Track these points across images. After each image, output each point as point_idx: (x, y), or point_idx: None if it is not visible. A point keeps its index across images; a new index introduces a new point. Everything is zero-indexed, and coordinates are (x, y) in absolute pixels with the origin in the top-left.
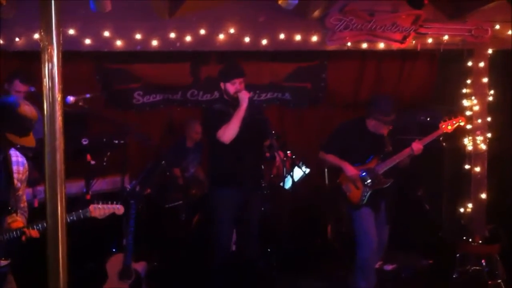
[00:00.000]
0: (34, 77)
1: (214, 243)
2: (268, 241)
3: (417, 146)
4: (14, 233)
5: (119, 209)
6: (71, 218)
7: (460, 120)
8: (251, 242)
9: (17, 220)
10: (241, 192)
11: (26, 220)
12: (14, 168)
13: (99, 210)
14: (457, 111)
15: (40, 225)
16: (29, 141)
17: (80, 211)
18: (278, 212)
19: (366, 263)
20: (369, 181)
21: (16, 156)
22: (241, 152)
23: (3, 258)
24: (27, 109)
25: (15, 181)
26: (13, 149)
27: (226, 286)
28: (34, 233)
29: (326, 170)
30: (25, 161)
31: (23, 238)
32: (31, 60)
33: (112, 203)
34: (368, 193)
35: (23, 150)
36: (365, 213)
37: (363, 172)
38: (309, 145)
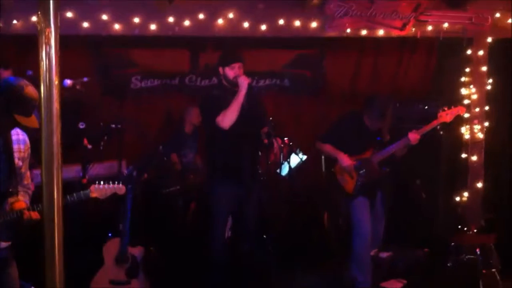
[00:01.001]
0: (9, 62)
1: (210, 235)
2: (265, 229)
3: (413, 136)
4: (15, 214)
5: (120, 188)
6: (72, 199)
7: (460, 110)
8: (248, 234)
9: (20, 201)
10: (240, 183)
11: (30, 198)
12: (15, 147)
13: (100, 190)
14: (456, 100)
15: (41, 206)
16: (34, 122)
17: (81, 191)
18: (275, 199)
19: (361, 253)
20: (363, 170)
21: (16, 135)
22: (239, 139)
23: (3, 240)
24: (31, 89)
25: (16, 161)
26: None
27: (224, 278)
28: (34, 214)
29: (323, 158)
30: (26, 138)
31: (24, 219)
32: (28, 44)
33: (114, 183)
34: (362, 183)
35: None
36: (360, 202)
37: (358, 162)
38: (307, 133)
